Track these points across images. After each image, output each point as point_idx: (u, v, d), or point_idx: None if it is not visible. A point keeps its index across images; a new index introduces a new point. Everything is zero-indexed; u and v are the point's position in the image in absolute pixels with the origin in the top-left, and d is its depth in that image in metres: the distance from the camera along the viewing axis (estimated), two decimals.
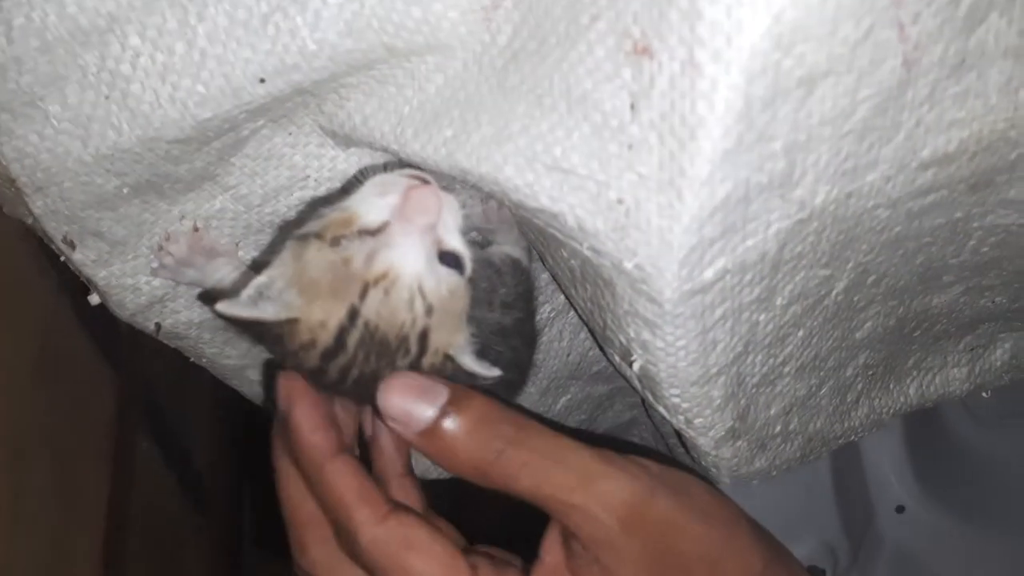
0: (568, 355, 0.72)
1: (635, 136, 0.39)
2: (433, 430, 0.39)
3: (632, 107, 0.39)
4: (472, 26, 0.45)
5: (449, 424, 0.39)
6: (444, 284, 0.45)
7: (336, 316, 0.43)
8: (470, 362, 0.45)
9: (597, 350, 0.72)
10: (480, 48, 0.45)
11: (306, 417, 0.43)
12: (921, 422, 0.98)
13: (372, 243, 0.44)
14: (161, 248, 0.54)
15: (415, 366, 0.44)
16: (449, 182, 0.51)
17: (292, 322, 0.44)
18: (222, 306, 0.44)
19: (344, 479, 0.41)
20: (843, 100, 0.37)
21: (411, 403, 0.39)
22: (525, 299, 0.57)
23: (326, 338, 0.44)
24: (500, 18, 0.44)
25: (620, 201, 0.40)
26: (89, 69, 0.45)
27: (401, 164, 0.49)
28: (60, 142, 0.47)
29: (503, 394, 0.60)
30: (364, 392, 0.45)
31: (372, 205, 0.45)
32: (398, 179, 0.46)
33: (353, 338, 0.43)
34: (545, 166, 0.42)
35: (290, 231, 0.49)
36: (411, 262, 0.44)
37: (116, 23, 0.44)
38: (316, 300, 0.44)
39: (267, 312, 0.44)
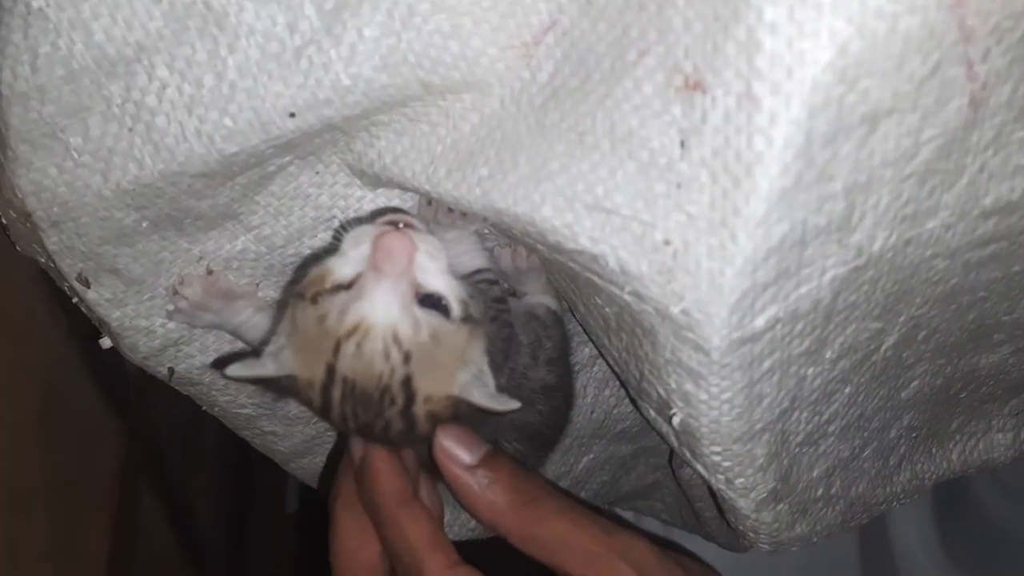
0: (592, 412, 0.69)
1: (684, 174, 0.37)
2: (471, 472, 0.44)
3: (682, 144, 0.37)
4: (511, 63, 0.43)
5: (482, 477, 0.44)
6: (425, 328, 0.43)
7: (318, 374, 0.44)
8: (483, 398, 0.44)
9: (622, 407, 0.70)
10: (519, 85, 0.43)
11: (384, 462, 0.45)
12: (950, 495, 0.94)
13: (345, 297, 0.44)
14: (176, 292, 0.52)
15: (406, 415, 0.43)
16: (479, 226, 0.50)
17: (293, 379, 0.45)
18: (231, 371, 0.45)
19: (419, 525, 0.43)
20: (906, 140, 0.35)
21: (459, 447, 0.44)
22: (564, 352, 0.56)
23: (315, 396, 0.44)
24: (541, 55, 0.43)
25: (667, 242, 0.38)
26: (114, 100, 0.44)
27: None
28: (80, 175, 0.45)
29: (540, 450, 0.58)
30: (387, 440, 0.45)
31: (346, 259, 0.45)
32: (370, 228, 0.46)
33: (336, 394, 0.44)
34: (586, 206, 0.40)
35: (291, 289, 0.49)
36: (381, 312, 0.43)
37: (144, 53, 0.42)
38: (303, 358, 0.44)
39: (267, 369, 0.45)
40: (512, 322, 0.52)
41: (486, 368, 0.45)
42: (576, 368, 0.65)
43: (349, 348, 0.43)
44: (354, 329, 0.43)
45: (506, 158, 0.43)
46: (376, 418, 0.44)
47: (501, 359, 0.48)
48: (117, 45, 0.42)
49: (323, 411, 0.45)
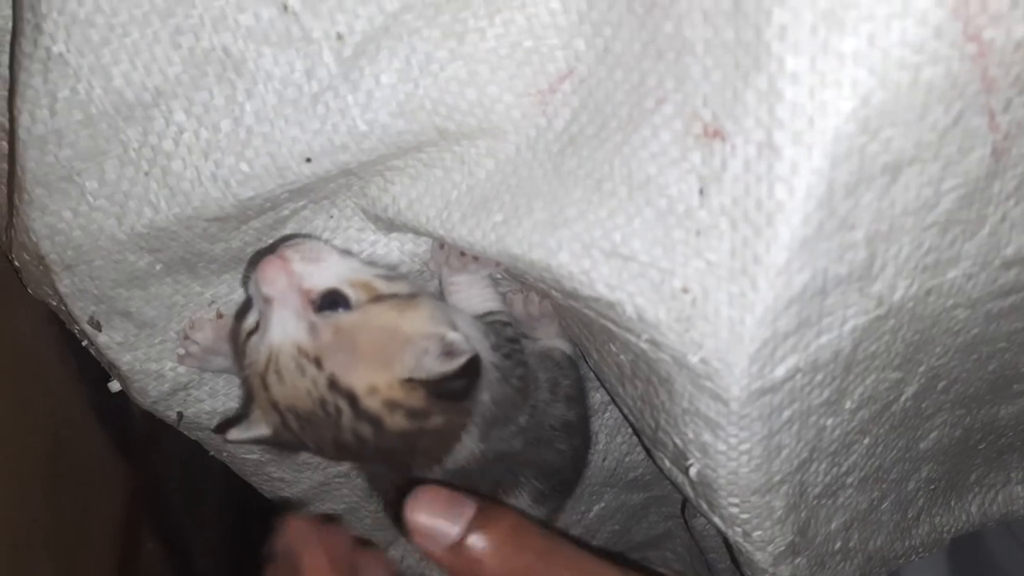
0: (604, 459, 0.68)
1: (704, 221, 0.36)
2: (458, 547, 0.36)
3: (701, 191, 0.36)
4: (527, 109, 0.43)
5: (475, 541, 0.36)
6: (325, 328, 0.44)
7: (272, 417, 0.45)
8: (437, 365, 0.43)
9: (634, 455, 0.69)
10: (535, 132, 0.43)
11: (312, 558, 0.41)
12: (963, 546, 0.92)
13: (256, 339, 0.46)
14: (186, 336, 0.52)
15: (361, 415, 0.43)
16: (492, 270, 0.50)
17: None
18: (232, 436, 0.47)
19: None
20: (928, 189, 0.35)
21: (437, 519, 0.36)
22: (581, 392, 0.55)
23: (287, 437, 0.45)
24: (558, 102, 0.43)
25: (686, 290, 0.37)
26: (131, 144, 0.44)
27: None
28: (95, 219, 0.45)
29: (560, 491, 0.57)
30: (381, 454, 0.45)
31: (253, 308, 0.47)
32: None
33: (294, 426, 0.45)
34: (603, 252, 0.40)
35: None
36: (278, 334, 0.44)
37: (162, 98, 0.43)
38: (261, 409, 0.46)
39: (261, 429, 0.46)
40: (527, 361, 0.51)
41: (449, 332, 0.44)
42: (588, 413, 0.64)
43: (272, 380, 0.44)
44: (268, 361, 0.44)
45: (521, 204, 0.43)
46: (339, 432, 0.44)
47: (520, 397, 0.48)
48: (136, 90, 0.42)
49: (302, 446, 0.46)
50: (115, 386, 0.54)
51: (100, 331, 0.49)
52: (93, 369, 0.55)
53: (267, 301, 0.44)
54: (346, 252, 0.48)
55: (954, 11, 0.30)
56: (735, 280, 0.36)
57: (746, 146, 0.34)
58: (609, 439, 0.67)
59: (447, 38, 0.42)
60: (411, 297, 0.46)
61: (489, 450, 0.48)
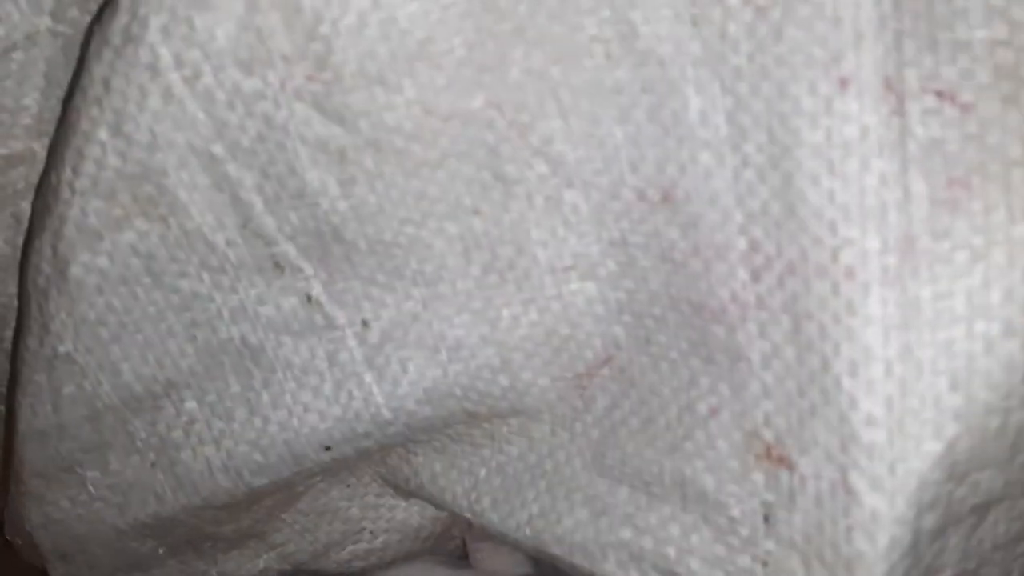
0: None
1: (772, 553, 0.33)
2: None
3: (766, 519, 0.33)
4: (563, 392, 0.40)
5: None
6: None
7: None
8: None
9: None
10: (572, 414, 0.40)
11: None
12: None
13: None
14: None
15: None
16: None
17: None
18: None
19: None
20: (1018, 523, 0.32)
21: None
22: None
23: None
24: (595, 386, 0.40)
25: None
26: (137, 435, 0.41)
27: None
28: (95, 509, 0.42)
29: None
30: None
31: None
32: None
33: None
34: (656, 569, 0.36)
35: None
36: None
37: (173, 388, 0.40)
38: None
39: None
40: None
41: None
42: None
43: None
44: None
45: (559, 496, 0.40)
46: None
47: None
48: (146, 383, 0.40)
49: None
50: None
51: None
52: None
53: None
54: None
55: None
56: None
57: (817, 482, 0.31)
58: None
59: (478, 324, 0.39)
60: None
61: None
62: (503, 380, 0.40)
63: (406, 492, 0.46)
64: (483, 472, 0.43)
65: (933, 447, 0.29)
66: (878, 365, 0.29)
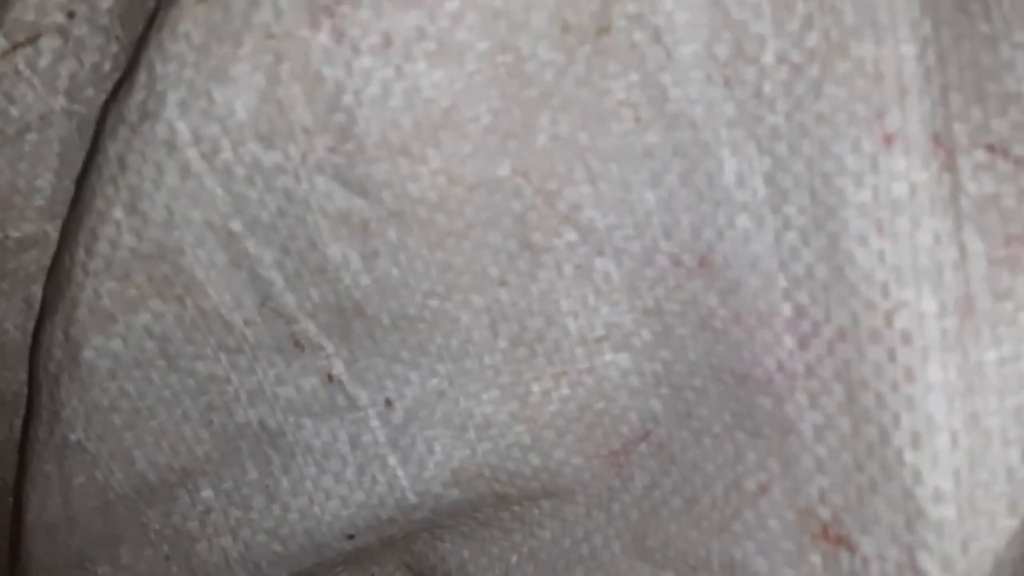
0: None
1: None
2: None
3: None
4: (598, 471, 0.38)
5: None
6: None
7: None
8: None
9: None
10: (607, 494, 0.38)
11: None
12: None
13: None
14: None
15: None
16: None
17: None
18: None
19: None
20: None
21: None
22: None
23: None
24: (633, 464, 0.38)
25: None
26: (151, 526, 0.39)
27: None
28: None
29: None
30: None
31: None
32: None
33: None
34: None
35: None
36: None
37: (189, 476, 0.38)
38: None
39: None
40: None
41: None
42: None
43: None
44: None
45: None
46: None
47: None
48: (160, 471, 0.38)
49: None
50: None
51: None
52: None
53: None
54: None
55: None
56: None
57: (882, 563, 0.29)
58: None
59: (507, 401, 0.37)
60: None
61: None
62: (534, 459, 0.38)
63: None
64: (515, 559, 0.41)
65: (1008, 523, 0.27)
66: (943, 436, 0.27)
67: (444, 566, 0.42)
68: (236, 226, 0.33)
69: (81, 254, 0.34)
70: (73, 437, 0.37)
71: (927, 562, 0.28)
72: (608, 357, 0.37)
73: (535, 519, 0.40)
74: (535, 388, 0.37)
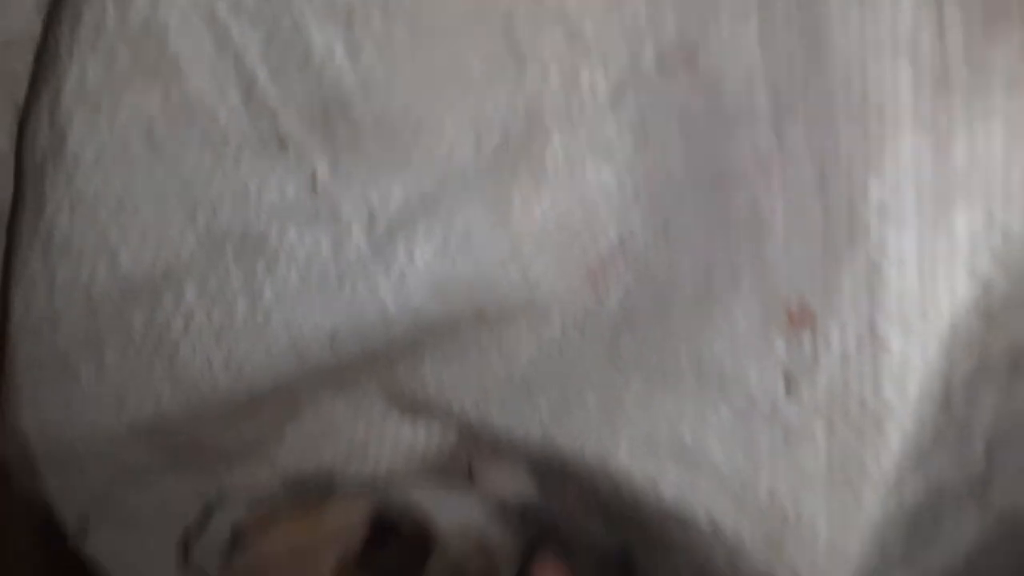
0: None
1: (793, 423, 0.32)
2: None
3: (788, 388, 0.32)
4: (575, 288, 0.39)
5: None
6: None
7: None
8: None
9: None
10: (583, 313, 0.39)
11: None
12: None
13: None
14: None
15: None
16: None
17: None
18: None
19: None
20: None
21: None
22: None
23: None
24: (610, 280, 0.38)
25: (774, 504, 0.32)
26: (135, 329, 0.39)
27: None
28: (89, 411, 0.40)
29: None
30: None
31: None
32: None
33: None
34: (671, 454, 0.35)
35: None
36: None
37: (173, 278, 0.39)
38: None
39: None
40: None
41: None
42: None
43: None
44: None
45: (571, 394, 0.38)
46: None
47: None
48: (144, 270, 0.38)
49: None
50: None
51: (87, 536, 0.43)
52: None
53: None
54: None
55: None
56: (835, 494, 0.30)
57: (843, 336, 0.30)
58: None
59: (489, 213, 0.38)
60: None
61: None
62: (513, 272, 0.39)
63: (413, 407, 0.45)
64: (491, 379, 0.42)
65: (968, 289, 0.27)
66: (908, 202, 0.28)
67: (424, 391, 0.43)
68: (221, 9, 0.33)
69: (66, 35, 0.34)
70: (58, 231, 0.37)
71: (887, 328, 0.29)
72: (590, 169, 0.37)
73: (513, 338, 0.41)
74: (516, 200, 0.38)
